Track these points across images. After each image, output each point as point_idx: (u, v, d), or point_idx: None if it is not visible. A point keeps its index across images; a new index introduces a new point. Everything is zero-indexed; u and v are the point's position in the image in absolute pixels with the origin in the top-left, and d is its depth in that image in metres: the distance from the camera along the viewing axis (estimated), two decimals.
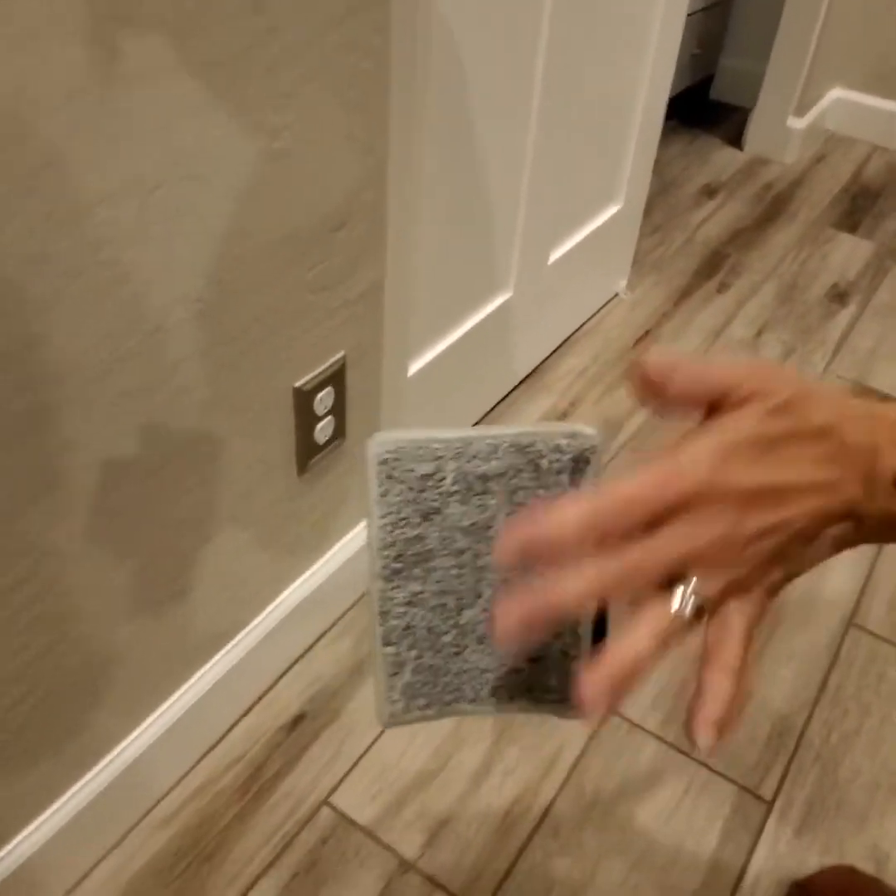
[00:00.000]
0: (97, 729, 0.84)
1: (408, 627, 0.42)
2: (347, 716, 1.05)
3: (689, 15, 1.55)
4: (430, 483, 0.41)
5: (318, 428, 0.92)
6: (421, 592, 0.42)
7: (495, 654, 0.42)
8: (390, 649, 0.42)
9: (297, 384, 0.87)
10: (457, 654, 0.42)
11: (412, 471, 0.40)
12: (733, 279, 1.88)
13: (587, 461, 0.40)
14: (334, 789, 0.98)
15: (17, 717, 0.74)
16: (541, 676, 0.42)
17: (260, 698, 1.06)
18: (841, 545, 0.39)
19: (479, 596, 0.42)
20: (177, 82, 0.60)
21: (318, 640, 1.12)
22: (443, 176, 1.04)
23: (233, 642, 0.98)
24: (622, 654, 0.36)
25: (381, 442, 0.40)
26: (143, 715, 0.90)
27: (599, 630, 0.43)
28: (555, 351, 1.61)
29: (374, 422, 1.03)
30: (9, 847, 0.80)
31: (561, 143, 1.29)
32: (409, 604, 0.42)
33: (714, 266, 1.92)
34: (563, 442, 0.40)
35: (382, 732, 1.03)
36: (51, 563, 0.70)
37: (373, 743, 1.03)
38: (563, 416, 1.49)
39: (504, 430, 0.40)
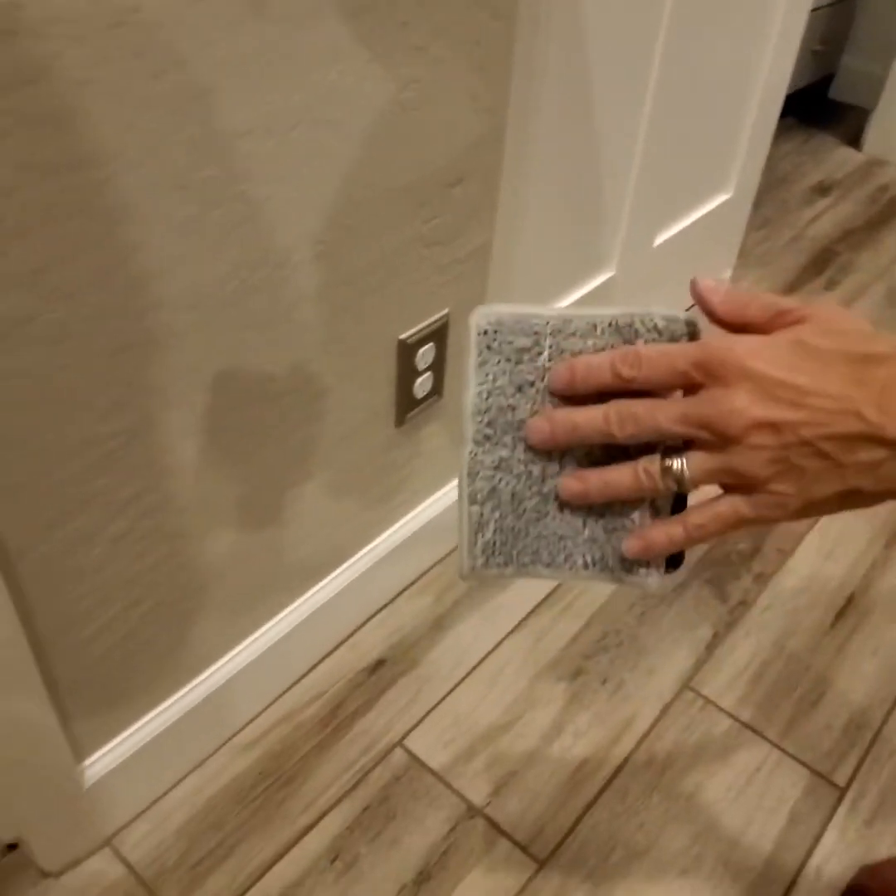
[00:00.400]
0: (195, 647, 0.89)
1: (493, 490, 0.45)
2: (425, 666, 1.08)
3: (812, 10, 1.52)
4: (527, 356, 0.43)
5: (417, 382, 0.96)
6: (508, 459, 0.44)
7: (574, 524, 0.45)
8: (475, 508, 0.45)
9: (402, 336, 0.90)
10: (538, 519, 0.45)
11: (511, 343, 0.43)
12: (842, 277, 1.84)
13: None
14: (408, 733, 1.02)
15: (127, 622, 0.79)
16: (618, 547, 0.45)
17: (344, 641, 1.10)
18: (869, 487, 0.38)
19: (562, 467, 0.44)
20: (321, 26, 0.63)
21: (401, 592, 1.16)
22: (556, 144, 1.06)
23: (322, 583, 1.02)
24: (601, 477, 0.44)
25: (484, 314, 0.43)
26: (238, 640, 0.95)
27: (678, 510, 0.45)
28: None
29: None
30: (97, 755, 0.86)
31: (675, 124, 1.29)
32: (496, 468, 0.45)
33: (823, 263, 1.88)
34: (661, 323, 0.42)
35: (458, 684, 1.06)
36: (169, 480, 0.75)
37: (448, 694, 1.06)
38: None
39: (605, 309, 0.43)
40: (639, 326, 0.42)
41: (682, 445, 0.41)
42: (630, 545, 0.44)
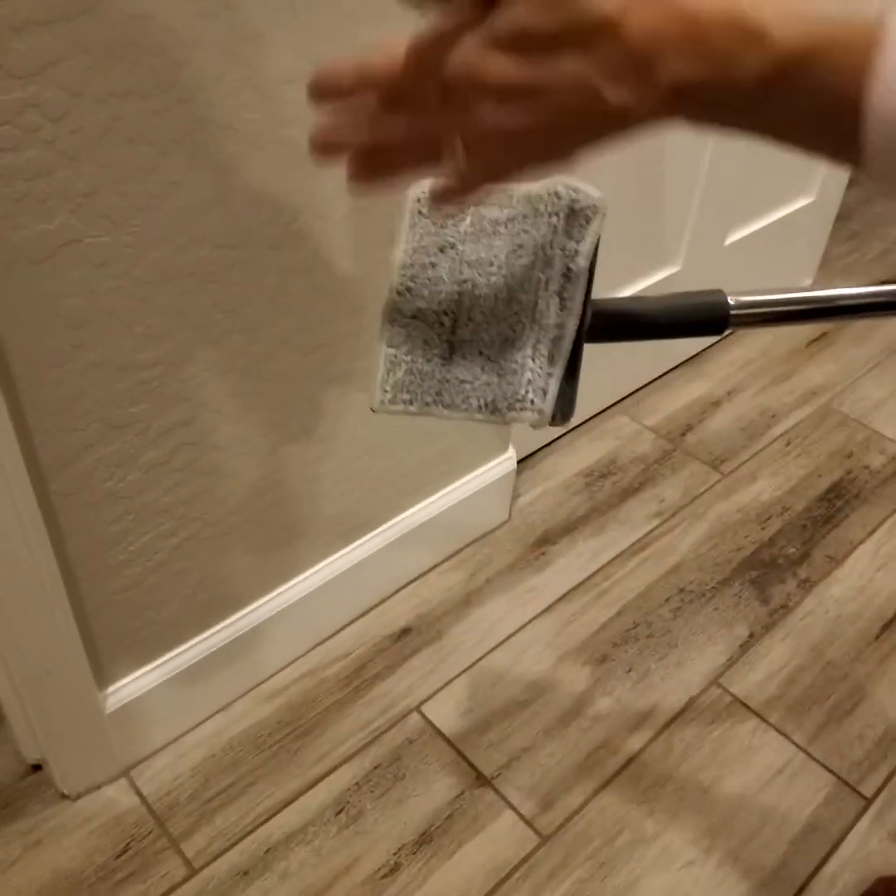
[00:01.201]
0: (226, 588, 0.92)
1: (408, 336, 0.51)
2: (450, 639, 1.09)
3: None
4: (450, 222, 0.50)
5: None
6: (424, 309, 0.50)
7: (473, 370, 0.51)
8: (391, 351, 0.51)
9: None
10: (444, 364, 0.51)
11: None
12: None
13: (587, 219, 0.48)
14: (427, 700, 1.02)
15: (159, 552, 0.83)
16: (509, 387, 0.50)
17: (372, 608, 1.12)
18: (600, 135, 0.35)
19: (470, 320, 0.50)
20: None
21: (434, 567, 1.17)
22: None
23: (354, 544, 1.04)
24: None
25: (421, 184, 0.50)
26: (268, 588, 0.97)
27: (573, 362, 0.50)
28: (721, 338, 1.59)
29: None
30: (121, 683, 0.89)
31: None
32: (413, 317, 0.51)
33: None
34: (561, 189, 0.48)
35: (481, 659, 1.06)
36: (204, 416, 0.78)
37: (469, 667, 1.06)
38: (718, 403, 1.46)
39: (521, 185, 0.49)
40: (543, 194, 0.48)
41: None
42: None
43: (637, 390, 1.47)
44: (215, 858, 0.88)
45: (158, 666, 0.91)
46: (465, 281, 0.50)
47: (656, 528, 1.24)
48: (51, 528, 0.73)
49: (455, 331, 0.50)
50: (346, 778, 0.95)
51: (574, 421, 1.38)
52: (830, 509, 1.28)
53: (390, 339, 0.51)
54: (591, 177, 0.48)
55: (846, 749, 0.99)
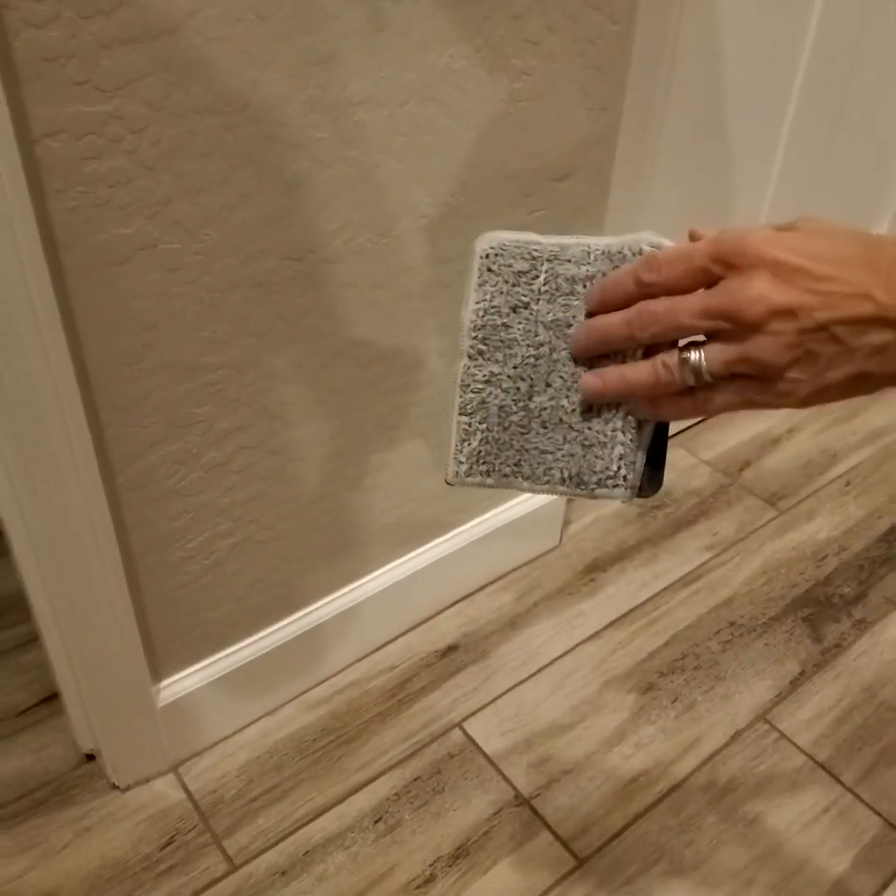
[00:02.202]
0: (278, 592, 0.95)
1: (483, 403, 0.48)
2: (496, 658, 1.10)
3: None
4: (523, 279, 0.47)
5: None
6: (499, 374, 0.48)
7: (555, 439, 0.48)
8: (464, 419, 0.49)
9: None
10: (522, 433, 0.48)
11: (510, 266, 0.47)
12: None
13: None
14: (469, 716, 1.03)
15: (216, 551, 0.86)
16: (597, 461, 0.47)
17: (419, 624, 1.13)
18: (873, 372, 0.40)
19: (549, 385, 0.47)
20: (436, 10, 0.70)
21: (483, 587, 1.18)
22: (682, 150, 1.07)
23: (403, 558, 1.06)
24: (620, 373, 0.45)
25: (488, 238, 0.48)
26: (319, 596, 1.00)
27: (659, 439, 0.47)
28: None
29: None
30: (175, 677, 0.93)
31: (822, 136, 1.26)
32: (486, 382, 0.48)
33: None
34: (644, 246, 0.45)
35: (525, 680, 1.07)
36: (263, 421, 0.81)
37: (513, 687, 1.06)
38: (777, 440, 1.45)
39: (598, 239, 0.46)
40: (627, 252, 0.45)
41: (702, 342, 0.43)
42: (585, 380, 0.46)
43: (695, 424, 1.47)
44: (255, 857, 0.90)
45: (210, 664, 0.94)
46: (541, 344, 0.47)
47: (709, 560, 1.23)
48: (116, 520, 0.77)
49: (532, 397, 0.47)
50: (386, 787, 0.96)
51: None
52: (890, 551, 1.25)
53: (463, 407, 0.48)
54: (673, 230, 0.48)
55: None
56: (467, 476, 0.49)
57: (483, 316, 0.47)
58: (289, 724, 1.02)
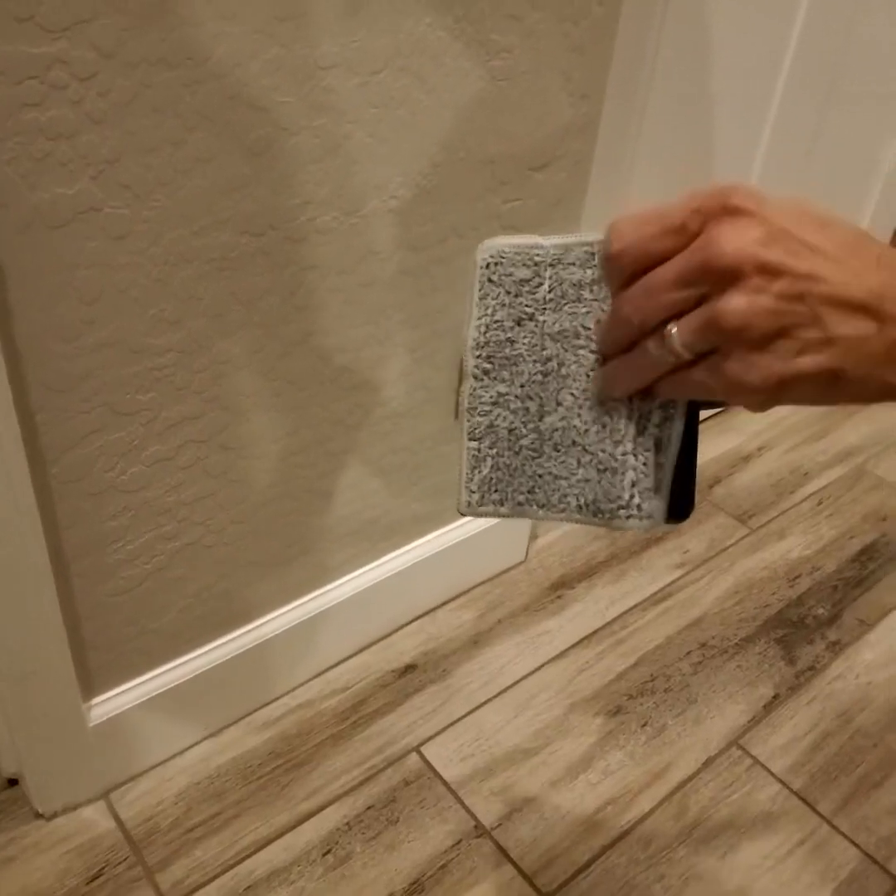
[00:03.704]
0: (227, 601, 0.88)
1: (491, 426, 0.44)
2: (456, 678, 1.03)
3: None
4: (526, 288, 0.42)
5: None
6: (506, 395, 0.43)
7: (568, 463, 0.43)
8: (473, 444, 0.44)
9: None
10: (534, 458, 0.44)
11: (511, 275, 0.42)
12: None
13: None
14: (427, 740, 0.97)
15: (158, 555, 0.79)
16: (611, 488, 0.42)
17: (377, 640, 1.07)
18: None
19: (559, 404, 0.43)
20: None
21: (444, 603, 1.12)
22: (665, 142, 1.04)
23: (362, 569, 1.00)
24: (613, 365, 0.40)
25: (487, 247, 0.43)
26: (270, 607, 0.93)
27: (686, 462, 0.42)
28: None
29: None
30: (108, 694, 0.85)
31: (808, 128, 1.23)
32: (494, 404, 0.44)
33: None
34: None
35: (487, 701, 1.01)
36: (215, 413, 0.75)
37: (474, 709, 1.00)
38: (748, 458, 1.42)
39: (601, 237, 0.40)
40: None
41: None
42: (596, 381, 0.41)
43: None
44: (191, 892, 0.82)
45: (148, 680, 0.87)
46: (549, 359, 0.43)
47: (679, 579, 1.19)
48: (46, 516, 0.70)
49: (543, 417, 0.43)
50: (336, 817, 0.89)
51: None
52: (862, 571, 1.22)
53: (472, 431, 0.44)
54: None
55: (874, 823, 0.92)
56: (480, 506, 0.45)
57: (486, 332, 0.43)
58: (233, 747, 0.95)
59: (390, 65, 0.68)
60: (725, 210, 0.34)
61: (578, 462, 0.43)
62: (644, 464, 0.41)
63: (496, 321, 0.43)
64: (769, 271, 0.33)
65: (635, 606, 1.14)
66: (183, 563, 0.82)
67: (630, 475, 0.41)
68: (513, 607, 1.13)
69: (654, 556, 1.22)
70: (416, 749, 0.96)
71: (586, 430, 0.42)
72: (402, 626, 1.09)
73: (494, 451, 0.44)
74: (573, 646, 1.09)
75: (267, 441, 0.80)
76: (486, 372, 0.43)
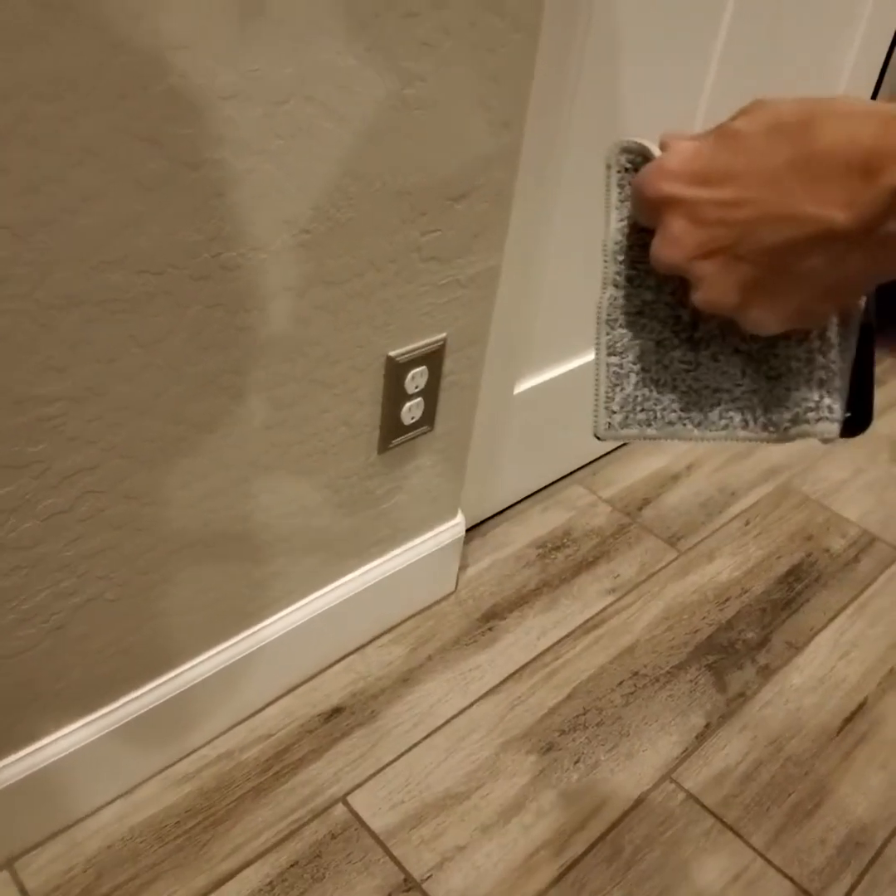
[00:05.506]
0: (134, 657, 0.83)
1: (635, 338, 0.39)
2: (385, 720, 1.00)
3: None
4: None
5: (406, 407, 0.91)
6: (653, 302, 0.39)
7: (731, 372, 0.38)
8: (614, 359, 0.40)
9: (392, 353, 0.86)
10: (688, 371, 0.39)
11: None
12: None
13: None
14: (355, 788, 0.93)
15: (58, 611, 0.74)
16: (784, 395, 0.37)
17: (303, 682, 1.03)
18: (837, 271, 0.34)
19: None
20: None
21: (371, 640, 1.09)
22: (590, 171, 1.02)
23: (284, 612, 0.96)
24: None
25: (622, 144, 0.39)
26: (184, 659, 0.88)
27: (864, 362, 0.38)
28: None
29: (465, 422, 1.01)
30: (7, 760, 0.79)
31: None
32: (639, 313, 0.39)
33: None
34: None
35: (417, 744, 0.97)
36: (114, 461, 0.70)
37: (404, 752, 0.97)
38: (676, 477, 1.42)
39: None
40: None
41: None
42: None
43: (594, 460, 1.42)
44: None
45: (53, 741, 0.81)
46: None
47: (610, 605, 1.17)
48: None
49: (697, 326, 0.38)
50: (258, 877, 0.85)
51: (528, 487, 1.32)
52: (790, 593, 1.22)
53: (612, 346, 0.40)
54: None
55: (806, 855, 0.91)
56: (622, 428, 0.40)
57: (629, 234, 0.39)
58: (149, 804, 0.89)
59: (296, 94, 0.64)
60: (648, 202, 0.37)
61: (743, 372, 0.38)
62: (833, 359, 0.37)
63: (640, 223, 0.38)
64: (707, 255, 0.35)
65: (567, 636, 1.12)
66: (85, 619, 0.76)
67: (818, 373, 0.37)
68: (443, 641, 1.10)
69: (586, 582, 1.20)
70: (343, 799, 0.92)
71: (753, 335, 0.38)
72: (330, 665, 1.05)
73: (639, 365, 0.39)
74: (504, 680, 1.06)
75: (174, 487, 0.76)
76: (629, 279, 0.39)
